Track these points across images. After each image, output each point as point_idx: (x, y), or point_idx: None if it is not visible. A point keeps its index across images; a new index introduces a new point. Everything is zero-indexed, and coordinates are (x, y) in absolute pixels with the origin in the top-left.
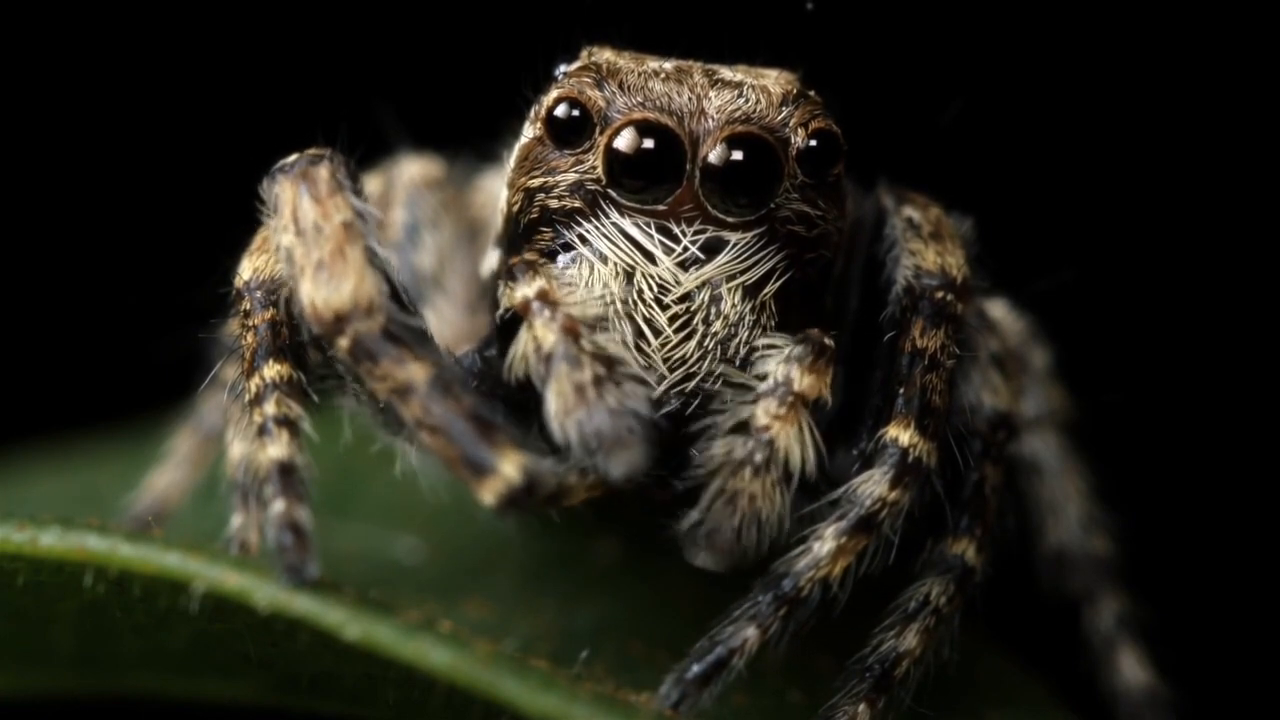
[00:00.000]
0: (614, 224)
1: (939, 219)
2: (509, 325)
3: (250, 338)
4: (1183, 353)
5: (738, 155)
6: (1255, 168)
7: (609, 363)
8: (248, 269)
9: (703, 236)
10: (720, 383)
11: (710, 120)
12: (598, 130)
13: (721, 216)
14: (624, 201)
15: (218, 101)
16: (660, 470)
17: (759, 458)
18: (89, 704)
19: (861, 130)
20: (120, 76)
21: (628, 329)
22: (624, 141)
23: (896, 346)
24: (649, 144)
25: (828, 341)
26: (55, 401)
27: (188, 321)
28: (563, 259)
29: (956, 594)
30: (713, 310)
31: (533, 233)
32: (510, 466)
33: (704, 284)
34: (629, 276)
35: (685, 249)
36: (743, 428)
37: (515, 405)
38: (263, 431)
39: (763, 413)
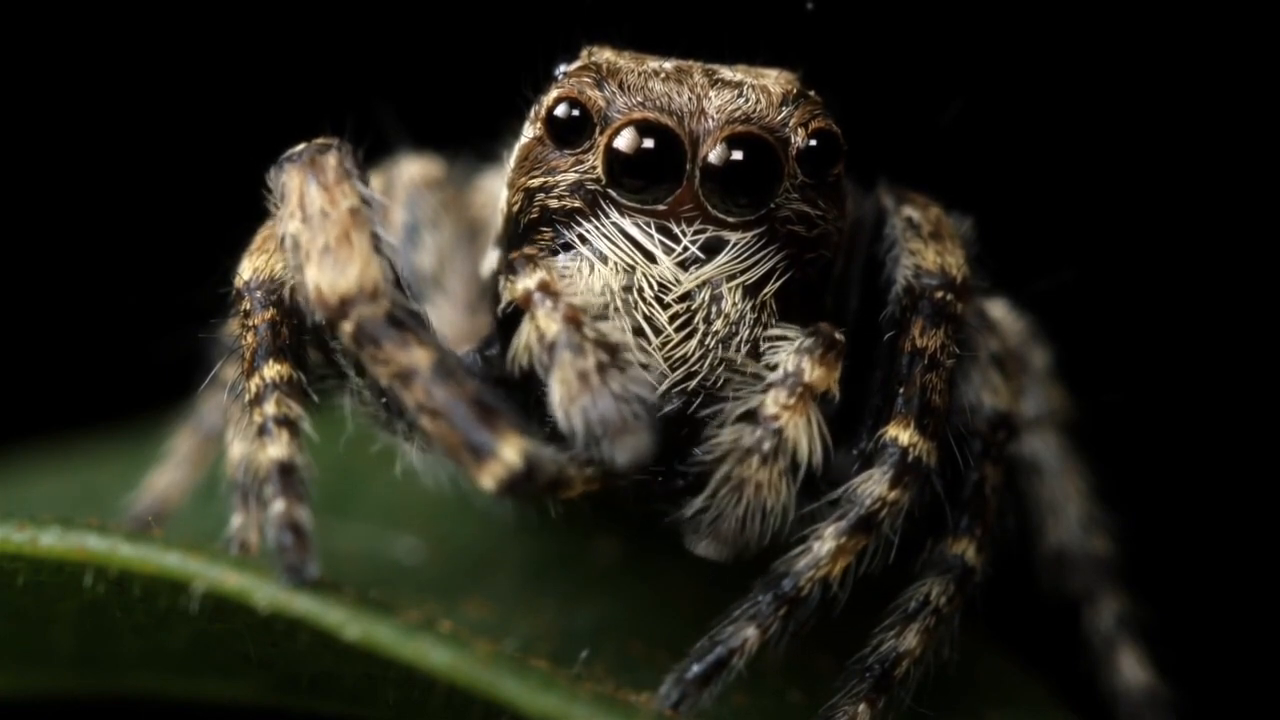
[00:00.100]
0: (614, 224)
1: (939, 219)
2: (510, 320)
3: (250, 338)
4: (1183, 353)
5: (738, 155)
6: (1255, 168)
7: (612, 349)
8: (248, 269)
9: (703, 236)
10: (722, 382)
11: (710, 120)
12: (598, 130)
13: (721, 216)
14: (624, 201)
15: (218, 101)
16: (661, 467)
17: (767, 446)
18: (89, 704)
19: (861, 130)
20: (120, 76)
21: (628, 328)
22: (624, 141)
23: (896, 346)
24: (649, 144)
25: (838, 335)
26: (55, 401)
27: (188, 321)
28: (563, 259)
29: (956, 594)
30: (713, 309)
31: (533, 233)
32: (511, 450)
33: (704, 283)
34: (629, 276)
35: (685, 249)
36: (751, 416)
37: (517, 402)
38: (263, 431)
39: (772, 402)
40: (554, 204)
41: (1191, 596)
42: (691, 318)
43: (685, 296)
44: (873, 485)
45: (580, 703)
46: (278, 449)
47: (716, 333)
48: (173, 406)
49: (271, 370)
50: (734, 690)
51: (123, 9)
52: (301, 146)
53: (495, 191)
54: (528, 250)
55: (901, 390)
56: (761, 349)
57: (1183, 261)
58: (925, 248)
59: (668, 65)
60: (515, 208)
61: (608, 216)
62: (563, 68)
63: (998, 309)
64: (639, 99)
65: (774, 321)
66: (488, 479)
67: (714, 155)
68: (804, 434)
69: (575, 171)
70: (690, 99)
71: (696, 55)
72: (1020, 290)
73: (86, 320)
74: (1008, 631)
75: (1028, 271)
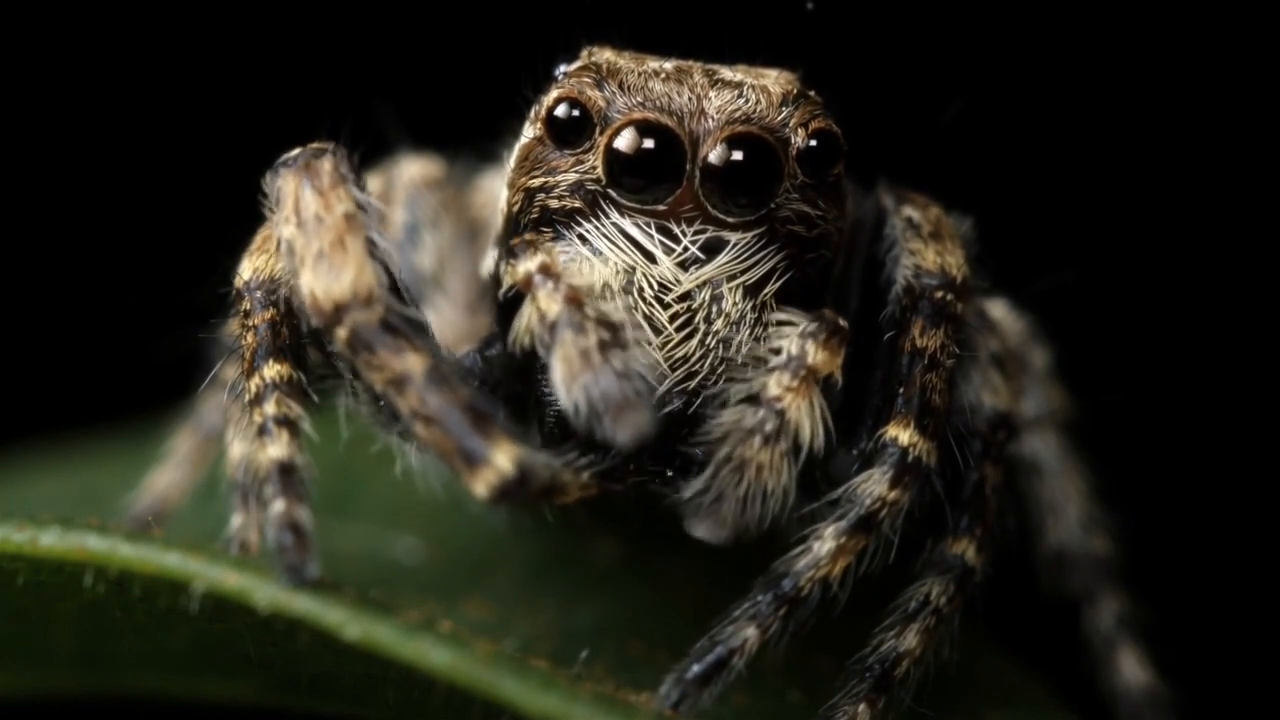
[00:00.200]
0: (614, 224)
1: (939, 219)
2: (511, 305)
3: (250, 338)
4: (1183, 353)
5: (738, 155)
6: (1255, 168)
7: (613, 328)
8: (248, 269)
9: (703, 236)
10: (722, 382)
11: (710, 120)
12: (598, 130)
13: (721, 216)
14: (624, 201)
15: (218, 101)
16: (660, 467)
17: (769, 427)
18: (89, 704)
19: (861, 130)
20: (120, 76)
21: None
22: (624, 141)
23: (896, 346)
24: (649, 144)
25: (842, 322)
26: (55, 401)
27: (188, 321)
28: (563, 258)
29: (956, 594)
30: (714, 309)
31: (533, 232)
32: (503, 457)
33: (704, 284)
34: (629, 276)
35: (685, 249)
36: (754, 398)
37: (516, 404)
38: (263, 431)
39: (775, 384)
40: (554, 204)
41: (1191, 596)
42: (692, 318)
43: (685, 297)
44: (873, 485)
45: (580, 703)
46: (278, 449)
47: (717, 333)
48: (173, 406)
49: (271, 370)
50: (734, 690)
51: (123, 9)
52: (297, 151)
53: (495, 191)
54: (528, 236)
55: (901, 390)
56: (767, 332)
57: (1183, 261)
58: (925, 248)
59: (668, 65)
60: (515, 208)
61: (608, 216)
62: (563, 68)
63: (998, 309)
64: (639, 99)
65: (774, 322)
66: (480, 485)
67: (714, 155)
68: (806, 416)
69: (575, 172)
70: (690, 99)
71: (696, 55)
72: (1020, 290)
73: (86, 320)
74: (1008, 631)
75: (1028, 271)
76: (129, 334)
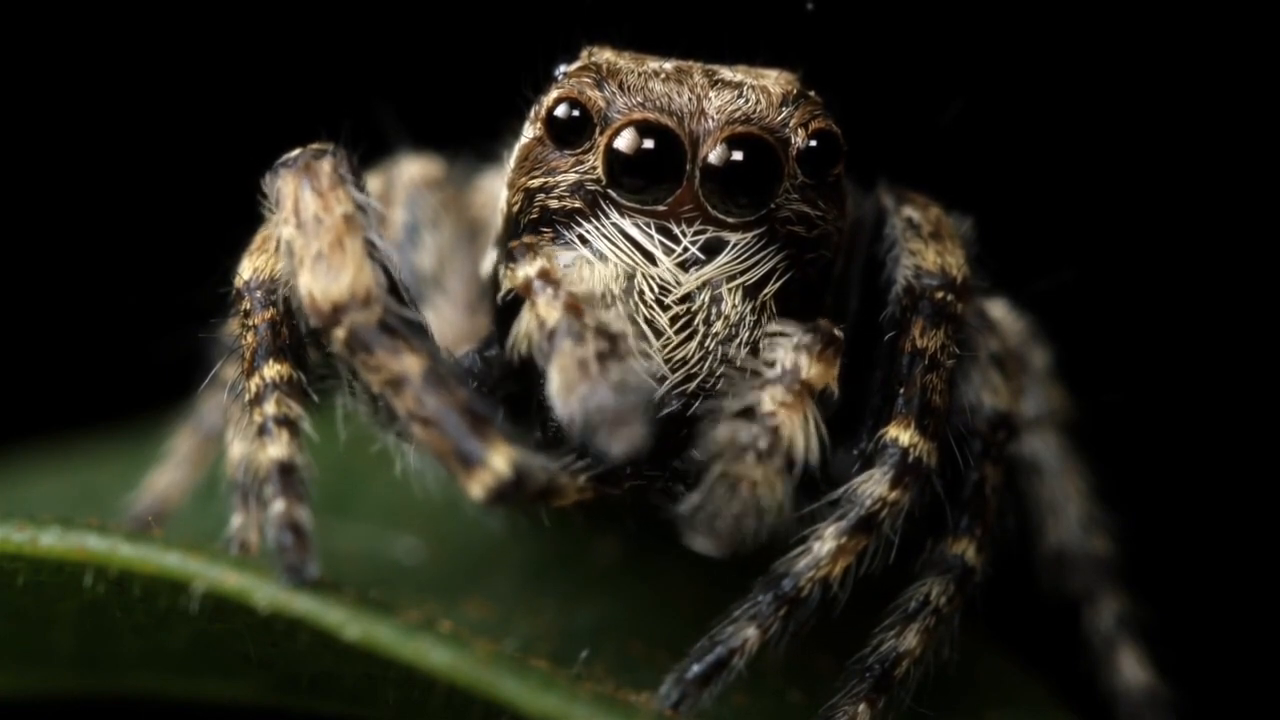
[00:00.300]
0: (614, 224)
1: (939, 219)
2: (510, 308)
3: (250, 337)
4: (1183, 353)
5: (738, 155)
6: (1255, 168)
7: (612, 338)
8: (248, 269)
9: (703, 237)
10: (721, 383)
11: (710, 120)
12: (598, 130)
13: (721, 217)
14: (624, 202)
15: (218, 101)
16: (658, 471)
17: (763, 444)
18: (89, 704)
19: (861, 130)
20: (120, 76)
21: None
22: (624, 142)
23: (896, 346)
24: (649, 144)
25: (837, 332)
26: (55, 401)
27: (188, 321)
28: (563, 259)
29: (956, 594)
30: (713, 310)
31: (533, 233)
32: (500, 459)
33: (704, 284)
34: (629, 277)
35: (685, 249)
36: (748, 413)
37: (514, 403)
38: (263, 431)
39: (769, 399)
40: (554, 204)
41: (1191, 596)
42: (691, 319)
43: (685, 298)
44: (873, 485)
45: (580, 703)
46: (278, 449)
47: (716, 334)
48: (173, 406)
49: (271, 370)
50: (734, 690)
51: (123, 9)
52: (296, 152)
53: (495, 191)
54: (527, 239)
55: (902, 390)
56: (761, 344)
57: (1183, 261)
58: (925, 248)
59: (668, 66)
60: (515, 208)
61: (608, 217)
62: (563, 68)
63: (998, 309)
64: (639, 99)
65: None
66: (477, 488)
67: (714, 156)
68: (800, 432)
69: (575, 172)
70: (690, 99)
71: (696, 55)
72: (1020, 290)
73: (86, 320)
74: (1008, 631)
75: (1028, 271)
76: (129, 334)
